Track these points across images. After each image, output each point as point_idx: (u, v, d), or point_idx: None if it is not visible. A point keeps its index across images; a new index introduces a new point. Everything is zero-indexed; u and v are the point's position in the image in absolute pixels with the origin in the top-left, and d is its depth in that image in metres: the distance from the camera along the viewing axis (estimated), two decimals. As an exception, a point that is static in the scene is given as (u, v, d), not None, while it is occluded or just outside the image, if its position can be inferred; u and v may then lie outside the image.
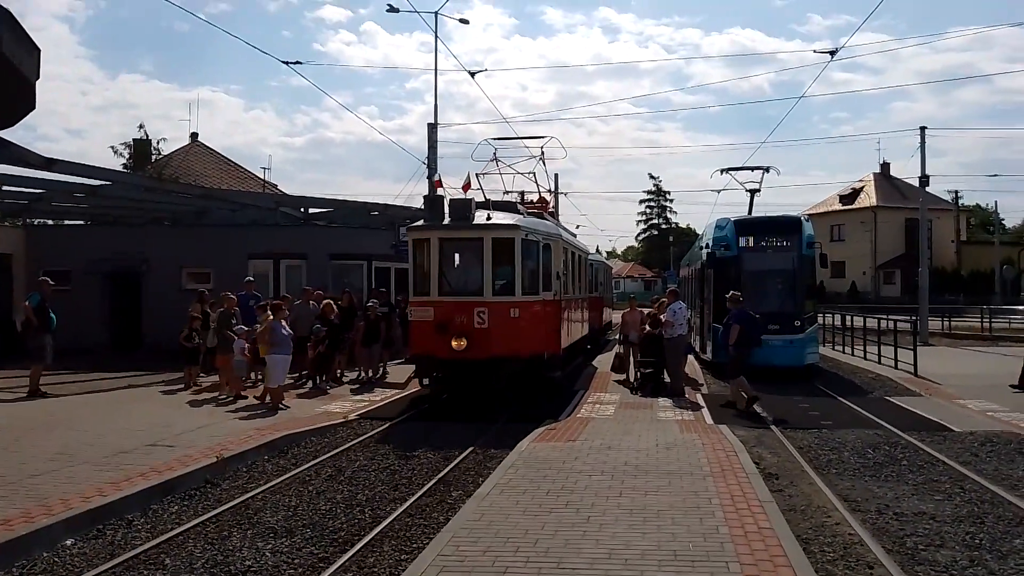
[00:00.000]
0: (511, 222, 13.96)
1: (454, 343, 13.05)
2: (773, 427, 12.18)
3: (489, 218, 13.95)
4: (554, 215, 20.06)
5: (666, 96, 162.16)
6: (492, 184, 24.59)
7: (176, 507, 7.89)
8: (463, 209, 13.94)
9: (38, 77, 13.54)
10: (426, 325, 13.57)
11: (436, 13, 26.25)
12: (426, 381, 14.14)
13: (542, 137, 18.86)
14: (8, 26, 11.61)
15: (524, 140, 24.14)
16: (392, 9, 25.25)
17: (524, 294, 13.75)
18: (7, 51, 11.54)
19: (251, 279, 17.78)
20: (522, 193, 19.65)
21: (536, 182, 19.27)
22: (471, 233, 13.83)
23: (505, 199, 17.16)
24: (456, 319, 13.25)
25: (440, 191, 17.89)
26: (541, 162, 19.01)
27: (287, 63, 18.63)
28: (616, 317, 35.42)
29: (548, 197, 20.69)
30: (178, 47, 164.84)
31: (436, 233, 13.98)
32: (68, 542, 6.70)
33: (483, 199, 15.91)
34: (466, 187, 16.15)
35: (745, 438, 10.92)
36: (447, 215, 14.17)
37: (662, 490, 7.64)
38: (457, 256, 14.71)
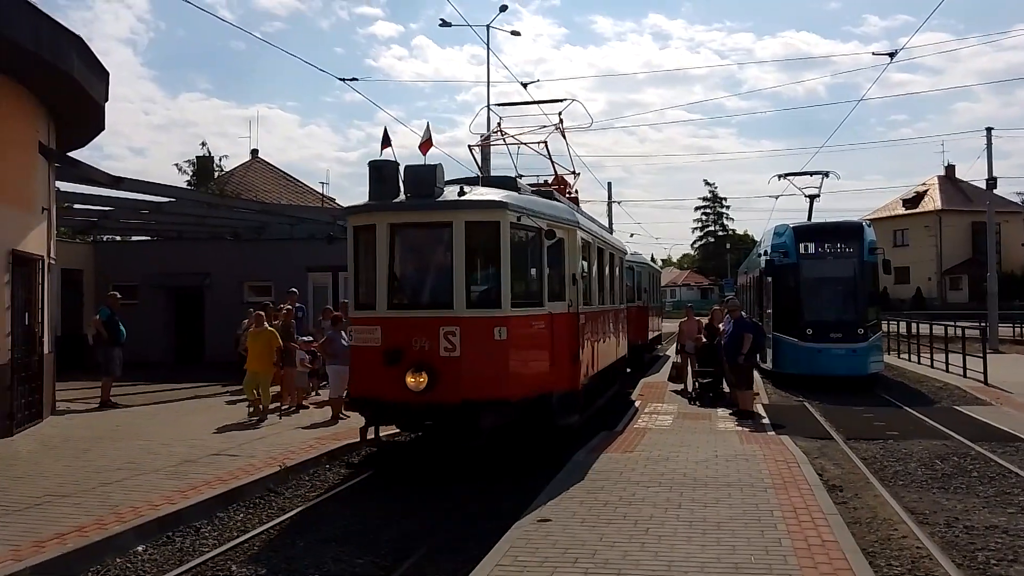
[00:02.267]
0: (495, 198, 9.70)
1: (410, 380, 8.97)
2: (837, 437, 11.93)
3: (463, 193, 9.77)
4: (576, 201, 15.45)
5: (719, 102, 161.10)
6: (499, 161, 21.76)
7: (241, 515, 8.08)
8: (424, 180, 9.60)
9: (107, 99, 14.08)
10: (371, 353, 9.49)
11: (488, 26, 26.52)
12: (372, 433, 10.07)
13: (560, 100, 15.30)
14: (80, 53, 12.11)
15: (539, 105, 16.96)
16: (444, 23, 25.63)
17: (517, 305, 9.58)
18: (79, 77, 12.03)
19: (294, 290, 17.82)
20: (538, 177, 15.93)
21: (549, 156, 15.11)
22: (435, 215, 9.67)
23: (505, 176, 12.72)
24: (413, 344, 9.16)
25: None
26: (559, 132, 15.33)
27: (342, 79, 18.97)
28: (667, 327, 35.27)
29: (570, 180, 16.44)
30: (235, 65, 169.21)
31: (384, 216, 9.69)
32: (139, 548, 6.90)
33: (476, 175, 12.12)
34: (426, 146, 10.31)
35: (807, 449, 10.72)
36: (401, 190, 9.81)
37: (722, 502, 7.54)
38: (416, 250, 10.44)
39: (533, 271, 10.18)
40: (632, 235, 74.13)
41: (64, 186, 16.43)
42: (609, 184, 46.06)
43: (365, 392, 9.68)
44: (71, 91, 12.39)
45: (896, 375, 20.57)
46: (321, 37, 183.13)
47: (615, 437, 11.27)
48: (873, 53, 28.68)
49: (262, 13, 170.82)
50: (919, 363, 22.59)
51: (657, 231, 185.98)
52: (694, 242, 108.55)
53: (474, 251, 9.61)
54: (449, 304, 9.29)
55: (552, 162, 15.44)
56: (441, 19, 23.88)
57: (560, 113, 15.29)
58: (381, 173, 9.82)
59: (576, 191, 16.16)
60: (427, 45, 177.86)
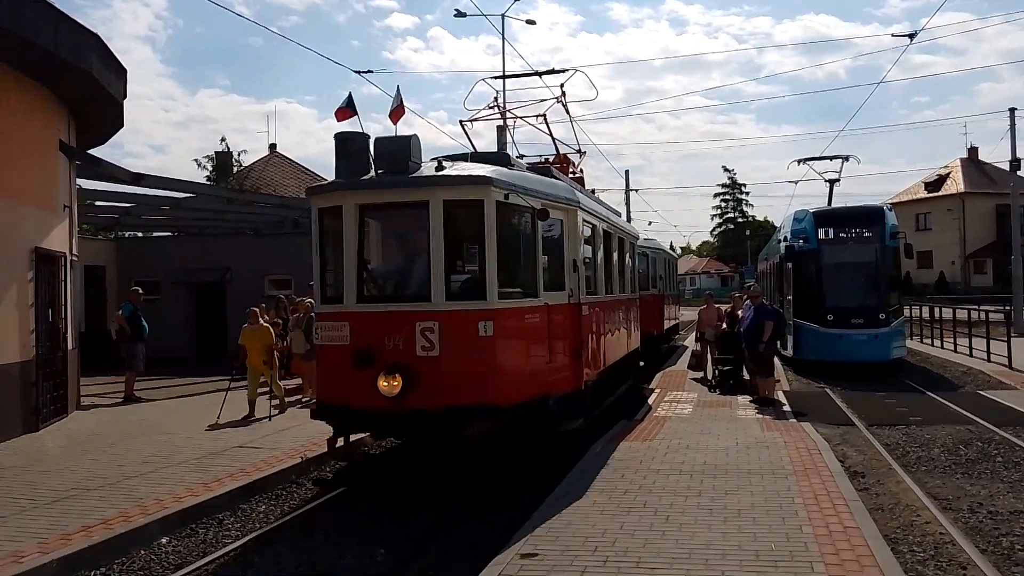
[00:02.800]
0: (477, 173, 8.51)
1: (382, 384, 7.81)
2: (859, 424, 11.85)
3: (441, 168, 8.59)
4: (581, 181, 14.18)
5: (737, 87, 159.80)
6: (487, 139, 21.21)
7: (264, 506, 8.17)
8: (397, 154, 8.42)
9: (125, 97, 14.21)
10: (338, 353, 8.33)
11: (503, 16, 26.48)
12: (341, 441, 8.92)
13: (563, 71, 14.12)
14: (98, 52, 12.22)
15: (540, 76, 15.10)
16: (459, 14, 25.60)
17: (506, 296, 8.40)
18: (98, 75, 12.14)
19: (313, 284, 17.85)
20: (540, 157, 14.38)
21: (550, 130, 13.77)
22: (409, 193, 8.43)
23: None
24: (386, 343, 8.00)
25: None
26: (562, 105, 14.17)
27: (359, 72, 18.99)
28: (685, 316, 35.04)
29: (575, 159, 15.09)
30: (253, 61, 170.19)
31: (352, 196, 8.50)
32: (163, 540, 7.00)
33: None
34: (397, 114, 9.39)
35: (829, 436, 10.65)
36: (372, 165, 8.61)
37: (743, 489, 7.52)
38: (388, 234, 9.42)
39: (526, 257, 9.00)
40: (650, 223, 73.46)
41: (85, 183, 16.60)
42: (627, 172, 45.64)
43: (333, 398, 8.58)
44: (90, 89, 12.51)
45: (919, 360, 20.39)
46: (338, 31, 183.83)
47: (635, 426, 11.26)
48: (892, 35, 28.26)
49: (279, 8, 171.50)
50: (942, 348, 22.35)
51: (676, 219, 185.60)
52: (713, 229, 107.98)
53: (455, 234, 8.50)
54: (427, 296, 8.15)
55: (553, 138, 14.08)
56: (456, 9, 23.80)
57: (562, 85, 14.06)
58: (348, 147, 8.60)
59: (581, 171, 14.97)
60: (443, 36, 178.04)
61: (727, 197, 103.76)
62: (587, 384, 10.23)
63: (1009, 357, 17.46)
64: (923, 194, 66.78)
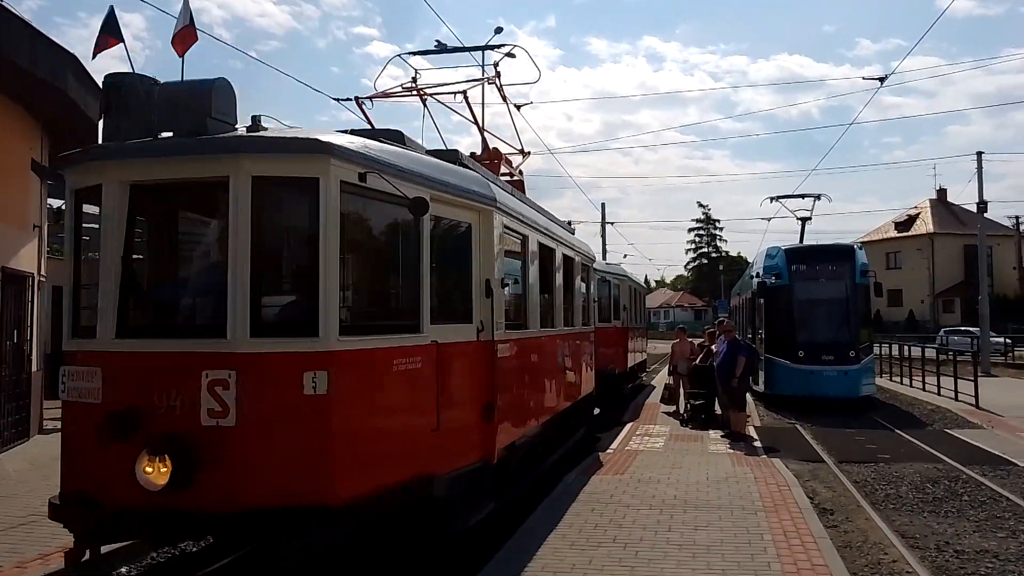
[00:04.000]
0: (310, 137, 5.62)
1: (144, 469, 4.98)
2: (828, 460, 11.90)
3: (257, 128, 5.73)
4: (521, 187, 11.48)
5: (713, 124, 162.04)
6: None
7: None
8: (191, 106, 5.55)
9: (101, 117, 14.10)
10: (86, 417, 5.44)
11: (484, 48, 26.63)
12: (88, 554, 5.62)
13: (498, 47, 11.65)
14: (74, 70, 12.15)
15: (469, 53, 12.65)
16: (440, 45, 25.69)
17: (358, 330, 5.70)
18: (73, 94, 12.07)
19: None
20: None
21: (473, 114, 10.67)
22: (200, 165, 5.46)
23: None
24: (156, 403, 5.17)
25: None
26: (494, 85, 11.54)
27: (337, 99, 18.99)
28: (661, 348, 35.14)
29: (516, 159, 12.43)
30: (233, 84, 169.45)
31: (118, 169, 5.60)
32: (123, 570, 6.80)
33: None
34: (185, 37, 6.08)
35: (799, 472, 10.68)
36: (155, 126, 5.63)
37: (712, 525, 7.51)
38: (169, 229, 6.39)
39: (400, 272, 6.28)
40: (625, 256, 73.96)
41: (58, 203, 16.42)
42: (603, 204, 45.78)
43: (78, 486, 5.49)
44: (65, 109, 12.42)
45: (888, 397, 20.57)
46: (317, 57, 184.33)
47: (606, 459, 11.22)
48: (863, 78, 28.90)
49: (259, 32, 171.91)
50: (911, 386, 22.58)
51: (651, 252, 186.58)
52: (688, 263, 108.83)
53: (270, 229, 5.58)
54: (220, 329, 5.19)
55: (480, 126, 11.13)
56: (437, 40, 23.92)
57: (496, 64, 11.51)
58: (121, 95, 5.68)
59: (520, 172, 12.33)
60: (423, 65, 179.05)
61: (701, 232, 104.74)
62: (504, 453, 7.58)
63: (976, 396, 17.67)
64: (893, 233, 67.90)
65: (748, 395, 19.92)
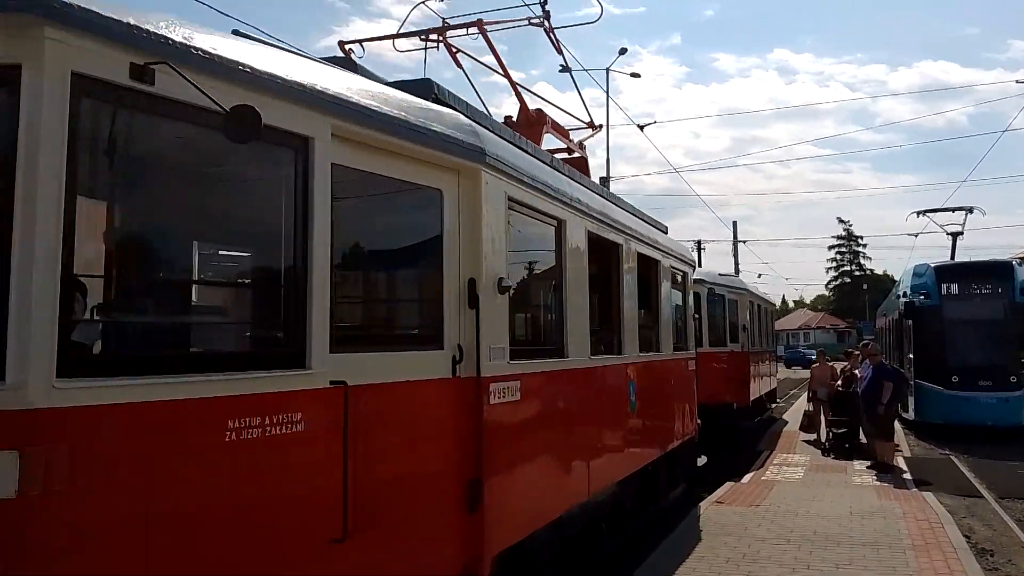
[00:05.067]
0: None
1: None
2: (987, 495, 11.05)
3: None
4: (581, 167, 8.73)
5: (851, 136, 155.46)
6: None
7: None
8: None
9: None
10: None
11: (607, 70, 26.68)
12: None
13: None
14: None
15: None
16: (564, 68, 25.92)
17: (105, 368, 2.93)
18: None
19: None
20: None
21: (497, 57, 8.57)
22: None
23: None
24: None
25: None
26: (544, 29, 9.11)
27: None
28: (802, 374, 33.70)
29: (583, 134, 10.35)
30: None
31: None
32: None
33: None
34: None
35: (953, 507, 9.96)
36: None
37: (856, 563, 7.09)
38: None
39: (252, 250, 4.19)
40: (760, 275, 71.75)
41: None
42: (735, 223, 44.52)
43: None
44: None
45: (1058, 426, 18.93)
46: (448, 84, 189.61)
47: (741, 489, 10.83)
48: (1017, 81, 26.99)
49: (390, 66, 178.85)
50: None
51: (786, 271, 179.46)
52: (828, 282, 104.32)
53: None
54: None
55: (510, 79, 8.54)
56: (561, 64, 24.19)
57: (545, 3, 8.91)
58: None
59: (583, 147, 9.87)
60: (546, 91, 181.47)
61: (843, 249, 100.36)
62: (508, 556, 5.07)
63: None
64: (1059, 246, 62.82)
65: (897, 423, 18.91)
